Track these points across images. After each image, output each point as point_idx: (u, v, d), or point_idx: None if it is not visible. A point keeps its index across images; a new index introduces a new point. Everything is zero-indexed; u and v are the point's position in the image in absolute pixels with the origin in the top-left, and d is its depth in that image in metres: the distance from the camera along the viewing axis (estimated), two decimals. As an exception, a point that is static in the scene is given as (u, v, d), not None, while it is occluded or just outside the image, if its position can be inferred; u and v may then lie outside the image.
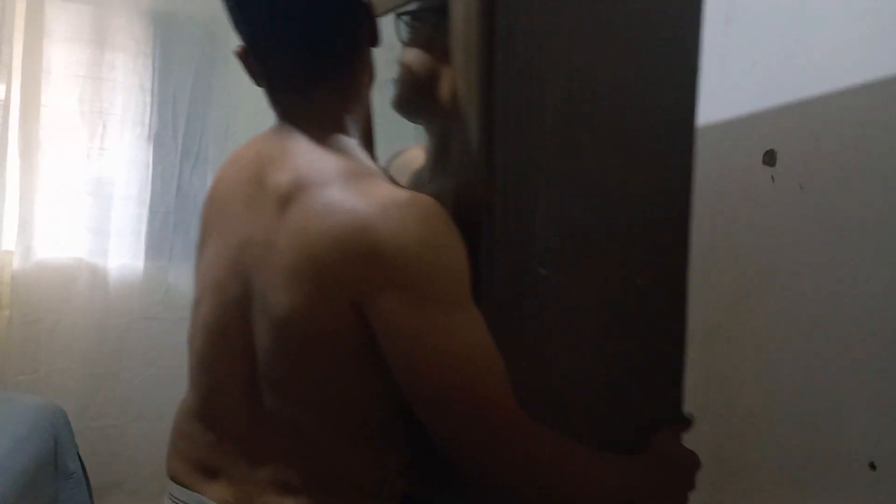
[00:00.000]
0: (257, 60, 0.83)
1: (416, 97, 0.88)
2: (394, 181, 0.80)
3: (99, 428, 2.16)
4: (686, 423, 0.91)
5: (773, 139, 1.13)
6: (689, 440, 0.88)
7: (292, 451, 0.80)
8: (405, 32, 0.90)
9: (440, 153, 0.88)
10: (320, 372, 0.78)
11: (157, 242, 2.24)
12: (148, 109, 2.21)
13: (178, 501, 0.87)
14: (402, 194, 0.74)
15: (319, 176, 0.75)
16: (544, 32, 0.73)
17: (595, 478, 0.78)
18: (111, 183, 2.21)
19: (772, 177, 1.13)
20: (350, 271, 0.71)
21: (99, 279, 2.22)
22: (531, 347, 0.79)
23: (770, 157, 1.14)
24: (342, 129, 0.82)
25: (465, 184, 0.77)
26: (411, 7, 0.86)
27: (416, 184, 0.93)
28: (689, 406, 0.92)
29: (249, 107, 2.34)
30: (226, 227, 0.86)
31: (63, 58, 2.12)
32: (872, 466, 0.95)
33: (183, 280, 2.23)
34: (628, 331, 0.84)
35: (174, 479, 0.89)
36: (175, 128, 2.24)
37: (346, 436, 0.81)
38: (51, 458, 1.74)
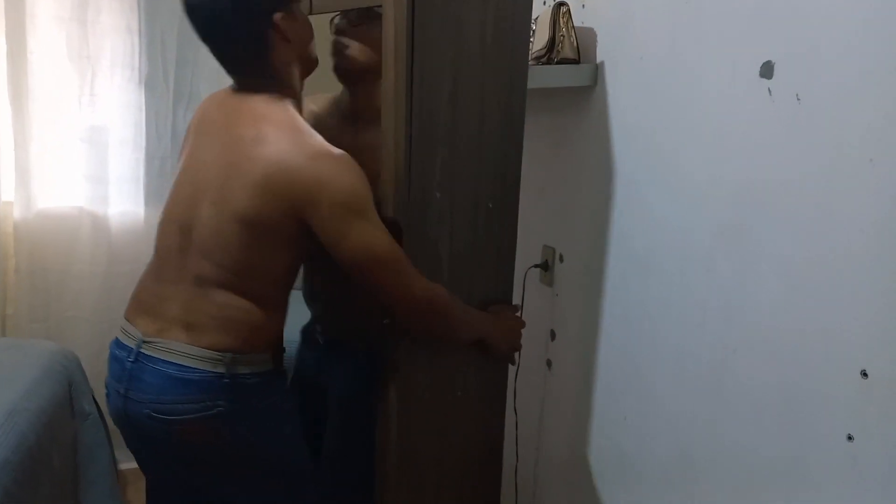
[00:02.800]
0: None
1: (352, 71, 1.33)
2: (314, 133, 1.20)
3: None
4: (514, 306, 1.47)
5: (770, 51, 1.10)
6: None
7: (201, 301, 1.24)
8: (342, 24, 1.32)
9: (359, 110, 1.38)
10: (252, 248, 1.21)
11: (157, 189, 2.23)
12: (136, 52, 2.17)
13: (121, 331, 1.30)
14: (330, 148, 1.18)
15: (274, 132, 1.18)
16: (438, 48, 1.20)
17: (464, 314, 1.32)
18: (105, 129, 2.20)
19: (769, 89, 1.11)
20: (299, 192, 1.16)
21: (101, 227, 2.23)
22: (429, 241, 1.28)
23: (767, 69, 1.11)
24: (279, 96, 1.22)
25: (392, 137, 1.21)
26: (352, 10, 1.30)
27: (323, 125, 1.35)
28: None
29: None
30: (199, 149, 1.29)
31: (48, 1, 2.06)
32: (864, 374, 0.97)
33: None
34: (481, 236, 1.36)
35: (125, 316, 1.32)
36: (165, 70, 2.21)
37: (248, 295, 1.24)
38: (66, 400, 1.79)
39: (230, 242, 1.21)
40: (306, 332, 1.60)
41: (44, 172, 2.15)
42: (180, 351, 1.22)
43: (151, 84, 2.21)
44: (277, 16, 1.17)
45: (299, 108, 1.26)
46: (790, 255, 1.09)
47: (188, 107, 2.24)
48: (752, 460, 1.17)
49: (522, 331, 1.49)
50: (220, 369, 1.23)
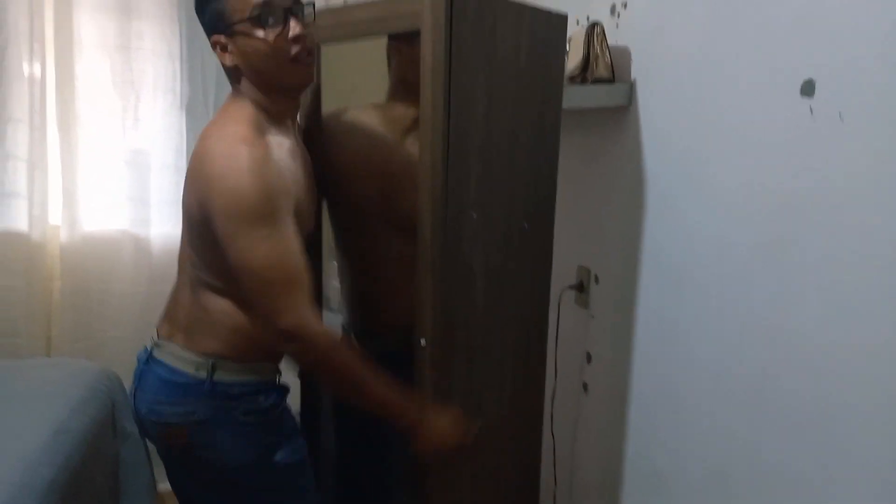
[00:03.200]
0: None
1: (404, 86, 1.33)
2: (252, 134, 1.15)
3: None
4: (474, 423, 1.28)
5: (810, 69, 1.08)
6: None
7: (195, 304, 1.27)
8: (394, 51, 1.36)
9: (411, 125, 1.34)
10: (206, 246, 1.19)
11: (196, 210, 2.27)
12: (178, 77, 2.23)
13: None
14: (240, 142, 1.12)
15: (209, 128, 1.21)
16: (473, 69, 1.20)
17: (370, 381, 1.18)
18: (148, 152, 2.25)
19: (810, 108, 1.09)
20: (199, 186, 1.15)
21: (142, 249, 2.28)
22: (464, 260, 1.26)
23: (808, 88, 1.09)
24: (237, 97, 1.23)
25: (429, 156, 1.20)
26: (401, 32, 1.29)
27: (396, 131, 1.38)
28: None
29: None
30: None
31: (92, 29, 2.14)
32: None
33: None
34: (516, 257, 1.35)
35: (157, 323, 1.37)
36: (205, 94, 2.26)
37: (231, 297, 1.22)
38: (109, 419, 1.82)
39: (192, 241, 1.25)
40: None
41: (89, 196, 2.21)
42: (174, 354, 1.26)
43: (192, 108, 2.26)
44: (213, 38, 1.20)
45: (263, 110, 1.21)
46: (831, 271, 1.06)
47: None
48: (791, 481, 1.14)
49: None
50: (202, 375, 1.23)
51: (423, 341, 1.27)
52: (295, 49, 1.17)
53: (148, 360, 1.31)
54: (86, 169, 2.19)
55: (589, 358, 1.74)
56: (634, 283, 1.55)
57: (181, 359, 1.25)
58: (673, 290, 1.43)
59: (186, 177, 1.21)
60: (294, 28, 1.17)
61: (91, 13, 2.13)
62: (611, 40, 1.54)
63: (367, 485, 1.54)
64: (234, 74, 1.24)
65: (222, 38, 1.19)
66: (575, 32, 1.56)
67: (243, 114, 1.19)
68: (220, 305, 1.24)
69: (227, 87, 2.44)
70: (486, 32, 1.20)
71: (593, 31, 1.50)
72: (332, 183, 1.42)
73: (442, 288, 1.23)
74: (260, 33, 1.16)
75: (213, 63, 2.24)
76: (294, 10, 1.19)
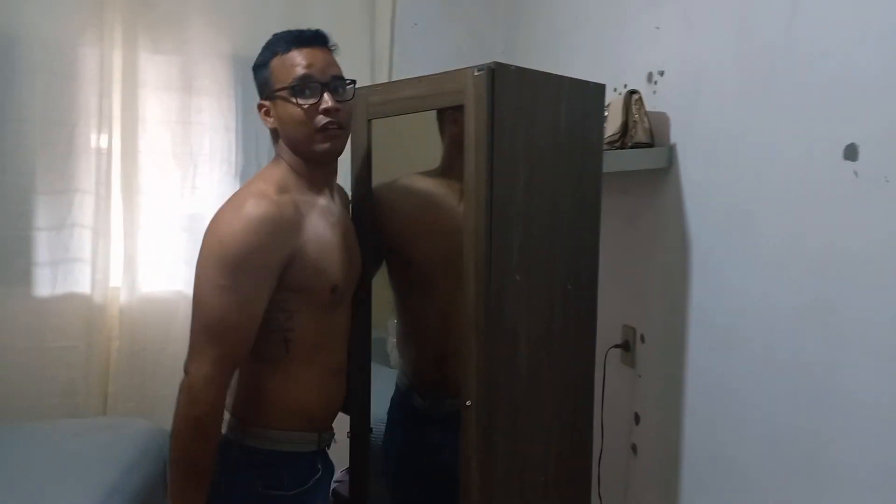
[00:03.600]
0: None
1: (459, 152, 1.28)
2: (269, 190, 1.22)
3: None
4: None
5: (852, 132, 1.10)
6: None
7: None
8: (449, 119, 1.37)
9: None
10: None
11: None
12: (233, 148, 2.36)
13: None
14: (244, 198, 1.20)
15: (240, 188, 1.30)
16: (514, 140, 1.25)
17: (189, 474, 1.14)
18: (203, 219, 2.35)
19: (854, 172, 1.10)
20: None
21: (195, 309, 2.37)
22: (509, 323, 1.27)
23: (851, 152, 1.10)
24: (277, 161, 1.32)
25: (473, 223, 1.24)
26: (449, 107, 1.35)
27: (452, 193, 1.41)
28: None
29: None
30: None
31: (155, 105, 2.29)
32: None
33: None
34: (560, 318, 1.36)
35: None
36: (258, 164, 2.38)
37: (253, 355, 1.21)
38: (161, 478, 1.87)
39: None
40: (398, 403, 1.55)
41: (148, 259, 2.32)
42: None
43: (246, 176, 2.38)
44: (260, 102, 1.32)
45: (296, 172, 1.29)
46: (880, 332, 1.05)
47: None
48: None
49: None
50: (231, 436, 1.23)
51: (468, 403, 1.28)
52: (324, 121, 1.25)
53: None
54: (146, 234, 2.31)
55: (637, 419, 1.72)
56: (682, 342, 1.54)
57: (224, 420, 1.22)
58: (721, 350, 1.42)
59: None
60: (327, 101, 1.25)
61: (155, 91, 2.29)
62: (648, 106, 1.58)
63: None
64: (274, 137, 1.34)
65: (266, 103, 1.30)
66: (613, 100, 1.61)
67: (272, 172, 1.29)
68: (257, 371, 1.24)
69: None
70: (526, 105, 1.26)
71: (631, 98, 1.55)
72: (390, 248, 1.48)
73: (486, 350, 1.25)
74: (296, 102, 1.25)
75: (265, 135, 2.37)
76: (332, 85, 1.27)
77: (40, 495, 1.59)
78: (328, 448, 1.39)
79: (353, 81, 1.32)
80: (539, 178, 1.29)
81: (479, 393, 1.26)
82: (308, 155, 1.29)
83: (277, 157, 1.33)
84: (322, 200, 1.31)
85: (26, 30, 2.17)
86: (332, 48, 1.32)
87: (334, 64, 1.30)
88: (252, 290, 1.16)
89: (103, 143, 2.25)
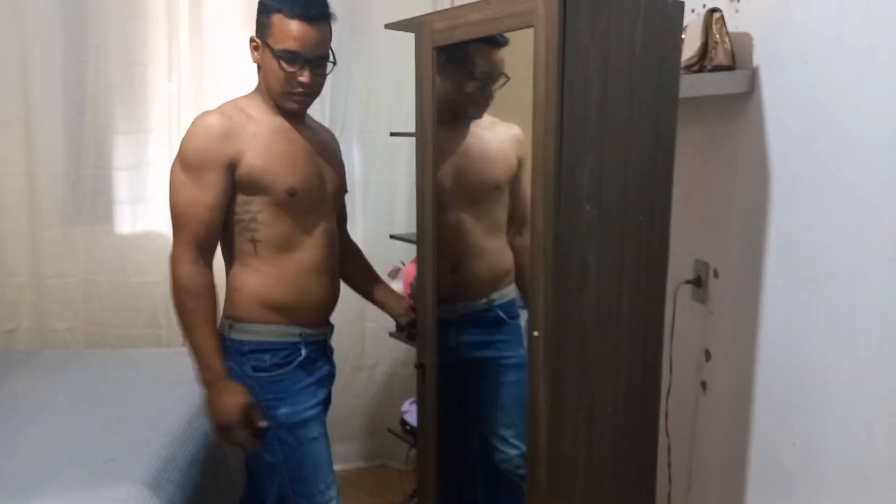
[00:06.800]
0: None
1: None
2: (228, 109, 1.44)
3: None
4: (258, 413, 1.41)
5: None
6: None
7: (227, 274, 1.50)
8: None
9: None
10: None
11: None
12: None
13: None
14: (195, 120, 1.41)
15: None
16: (587, 59, 1.21)
17: (198, 330, 1.39)
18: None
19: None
20: None
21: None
22: (579, 254, 1.27)
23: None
24: (256, 89, 1.50)
25: (542, 148, 1.23)
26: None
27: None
28: None
29: (387, 76, 2.43)
30: None
31: (222, 44, 2.31)
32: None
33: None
34: (631, 251, 1.33)
35: None
36: (321, 99, 2.37)
37: (225, 257, 1.48)
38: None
39: None
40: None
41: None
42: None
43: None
44: (253, 36, 1.46)
45: (265, 101, 1.47)
46: None
47: (342, 132, 2.40)
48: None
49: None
50: (224, 333, 1.45)
51: (535, 333, 1.28)
52: (297, 88, 1.43)
53: None
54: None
55: (708, 355, 1.68)
56: (759, 279, 1.48)
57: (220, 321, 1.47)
58: (803, 287, 1.36)
59: None
60: (304, 76, 1.42)
61: (220, 30, 2.31)
62: (730, 26, 1.48)
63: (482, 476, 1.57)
64: (259, 70, 1.49)
65: (258, 41, 1.45)
66: (692, 21, 1.51)
67: (242, 98, 1.48)
68: (233, 270, 1.46)
69: (341, 92, 2.58)
70: (601, 25, 1.20)
71: (711, 17, 1.46)
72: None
73: (555, 281, 1.24)
74: (280, 65, 1.41)
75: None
76: (315, 62, 1.43)
77: (134, 413, 1.71)
78: (325, 342, 1.58)
79: (334, 61, 1.48)
80: (612, 102, 1.24)
81: (548, 324, 1.26)
82: (275, 101, 1.47)
83: (259, 85, 1.49)
84: (284, 124, 1.48)
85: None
86: (332, 21, 1.46)
87: (324, 42, 1.44)
88: (206, 183, 1.38)
89: (173, 84, 2.30)
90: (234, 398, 1.39)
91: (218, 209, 1.40)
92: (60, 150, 2.32)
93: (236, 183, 1.41)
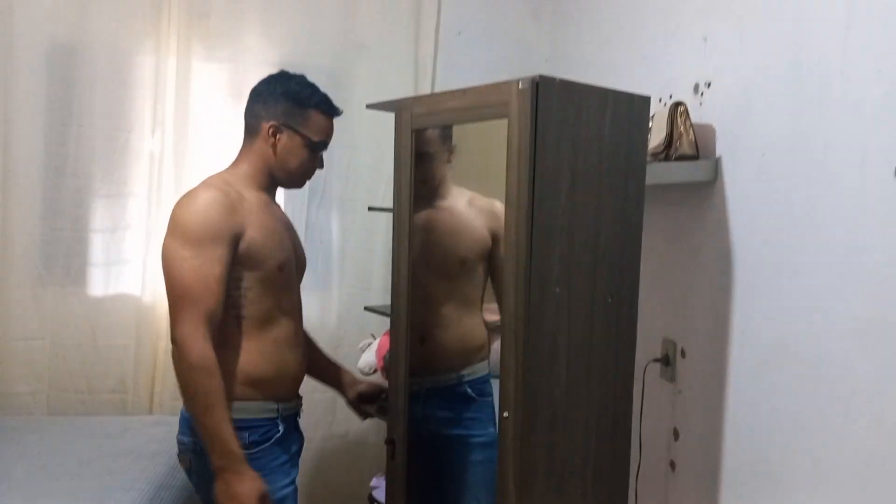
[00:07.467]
0: None
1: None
2: (220, 185, 1.44)
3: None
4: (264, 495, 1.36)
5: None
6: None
7: None
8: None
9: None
10: None
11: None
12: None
13: None
14: (198, 190, 1.42)
15: None
16: (557, 150, 1.26)
17: (213, 415, 1.32)
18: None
19: (907, 189, 1.07)
20: None
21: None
22: (548, 334, 1.29)
23: (904, 170, 1.08)
24: (242, 161, 1.53)
25: (514, 233, 1.27)
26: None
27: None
28: None
29: (368, 147, 2.49)
30: None
31: (207, 112, 2.36)
32: None
33: (312, 311, 2.38)
34: (600, 331, 1.37)
35: None
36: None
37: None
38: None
39: None
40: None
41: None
42: None
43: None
44: (275, 122, 1.49)
45: (252, 177, 1.50)
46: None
47: (320, 202, 2.43)
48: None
49: None
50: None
51: (505, 413, 1.29)
52: (312, 172, 1.57)
53: None
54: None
55: (676, 434, 1.69)
56: (724, 358, 1.51)
57: None
58: (768, 367, 1.40)
59: None
60: (321, 161, 1.58)
61: (207, 98, 2.36)
62: (694, 118, 1.56)
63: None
64: (249, 141, 1.53)
65: (280, 127, 1.49)
66: (658, 111, 1.59)
67: (223, 175, 1.50)
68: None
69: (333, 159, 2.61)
70: (571, 118, 1.26)
71: (676, 110, 1.54)
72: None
73: (525, 361, 1.26)
74: (310, 154, 1.53)
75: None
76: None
77: (93, 487, 1.66)
78: (297, 416, 1.57)
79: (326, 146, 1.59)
80: (581, 191, 1.29)
81: (518, 403, 1.27)
82: (282, 181, 1.56)
83: (240, 160, 1.53)
84: (268, 199, 1.53)
85: (88, 39, 2.27)
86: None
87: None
88: (214, 256, 1.36)
89: (156, 149, 2.33)
90: (255, 484, 1.34)
91: (225, 283, 1.37)
92: (37, 210, 2.31)
93: (236, 258, 1.40)
